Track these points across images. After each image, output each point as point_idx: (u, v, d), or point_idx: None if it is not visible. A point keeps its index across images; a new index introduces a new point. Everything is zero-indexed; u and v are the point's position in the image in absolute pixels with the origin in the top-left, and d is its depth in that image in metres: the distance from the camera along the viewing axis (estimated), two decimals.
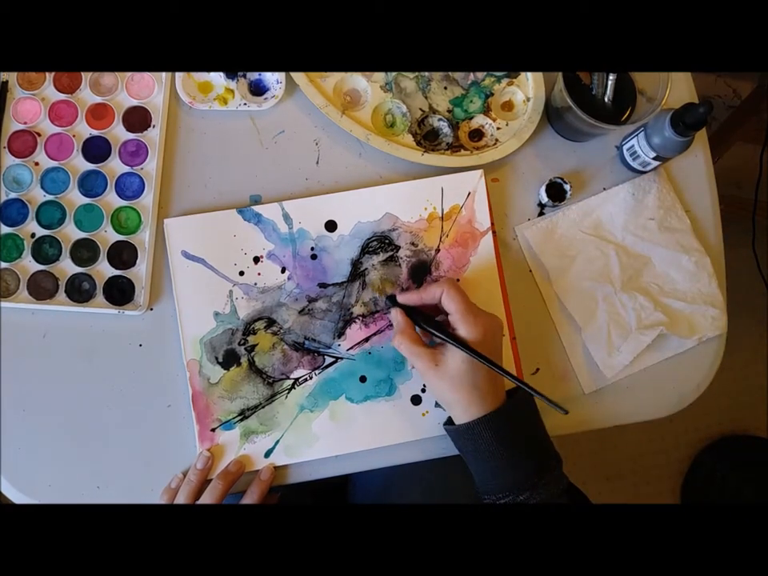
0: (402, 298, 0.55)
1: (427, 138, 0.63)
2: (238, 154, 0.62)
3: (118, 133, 0.61)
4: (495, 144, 0.62)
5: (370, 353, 0.59)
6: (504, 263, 0.61)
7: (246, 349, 0.59)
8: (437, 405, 0.59)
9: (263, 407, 0.58)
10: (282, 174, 0.62)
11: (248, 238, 0.60)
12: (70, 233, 0.59)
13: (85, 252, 0.59)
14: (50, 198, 0.59)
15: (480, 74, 0.63)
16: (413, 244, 0.60)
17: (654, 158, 0.59)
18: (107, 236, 0.60)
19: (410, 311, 0.55)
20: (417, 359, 0.52)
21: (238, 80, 0.62)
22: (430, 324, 0.53)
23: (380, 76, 0.63)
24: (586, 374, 0.60)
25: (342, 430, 0.58)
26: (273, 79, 0.62)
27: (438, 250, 0.61)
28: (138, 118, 0.61)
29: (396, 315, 0.55)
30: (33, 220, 0.59)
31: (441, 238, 0.61)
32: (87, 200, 0.60)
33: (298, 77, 0.61)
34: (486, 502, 0.52)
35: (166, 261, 0.59)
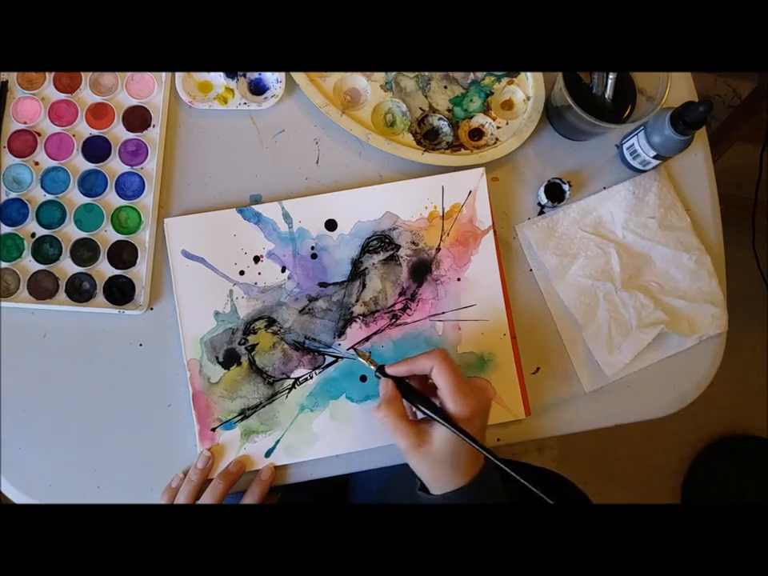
0: (390, 370, 0.52)
1: (427, 137, 0.63)
2: (237, 153, 0.62)
3: (118, 132, 0.61)
4: (495, 143, 0.62)
5: (370, 352, 0.59)
6: (504, 262, 0.61)
7: (246, 348, 0.59)
8: None
9: (264, 407, 0.58)
10: (282, 173, 0.62)
11: (248, 238, 0.60)
12: (70, 232, 0.59)
13: (85, 252, 0.59)
14: (50, 197, 0.59)
15: (480, 73, 0.63)
16: (413, 243, 0.60)
17: (654, 157, 0.59)
18: (107, 236, 0.60)
19: (398, 380, 0.52)
20: (401, 437, 0.48)
21: (237, 79, 0.62)
22: (417, 399, 0.50)
23: (380, 75, 0.63)
24: (586, 372, 0.60)
25: (343, 430, 0.58)
26: (273, 78, 0.62)
27: (438, 249, 0.60)
28: (137, 118, 0.61)
29: (385, 385, 0.51)
30: (33, 220, 0.59)
31: (441, 236, 0.61)
32: (87, 200, 0.60)
33: (298, 76, 0.61)
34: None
35: (166, 260, 0.59)
